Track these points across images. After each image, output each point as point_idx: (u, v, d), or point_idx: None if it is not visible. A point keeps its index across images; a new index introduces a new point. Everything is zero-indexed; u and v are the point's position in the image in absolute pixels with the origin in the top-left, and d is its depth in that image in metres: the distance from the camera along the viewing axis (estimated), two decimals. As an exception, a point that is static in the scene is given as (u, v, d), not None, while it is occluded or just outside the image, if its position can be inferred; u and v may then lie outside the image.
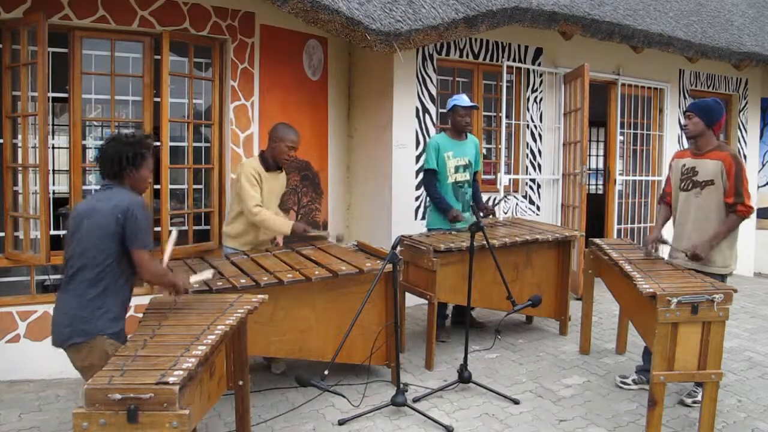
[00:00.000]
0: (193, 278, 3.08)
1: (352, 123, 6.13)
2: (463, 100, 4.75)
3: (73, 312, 2.59)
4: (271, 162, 4.16)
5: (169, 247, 3.10)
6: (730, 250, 3.66)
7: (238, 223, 4.14)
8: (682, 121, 3.88)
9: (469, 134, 4.93)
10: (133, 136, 2.77)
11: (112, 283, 2.62)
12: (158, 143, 4.50)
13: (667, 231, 3.93)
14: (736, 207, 3.54)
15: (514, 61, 6.24)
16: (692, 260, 3.63)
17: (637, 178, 7.33)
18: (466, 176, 4.83)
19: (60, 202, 5.54)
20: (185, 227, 4.68)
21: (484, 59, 6.08)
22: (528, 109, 6.39)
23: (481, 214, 4.81)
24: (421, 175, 5.71)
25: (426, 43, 5.21)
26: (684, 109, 3.87)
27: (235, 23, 4.80)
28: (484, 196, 5.65)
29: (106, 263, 2.60)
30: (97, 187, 2.92)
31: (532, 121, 6.42)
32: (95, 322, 2.58)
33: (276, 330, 3.53)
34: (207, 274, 3.17)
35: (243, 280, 3.40)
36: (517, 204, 6.36)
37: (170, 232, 3.29)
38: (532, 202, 6.49)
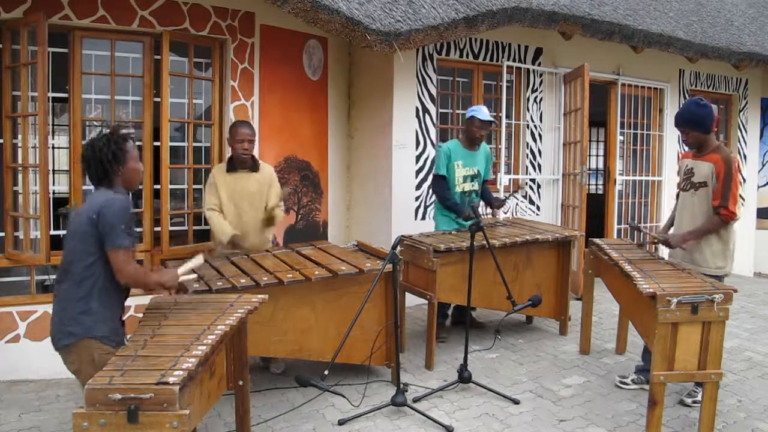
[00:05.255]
0: (182, 269, 2.84)
1: (352, 123, 6.13)
2: (482, 112, 4.71)
3: (61, 314, 2.59)
4: (235, 162, 4.12)
5: (191, 263, 2.89)
6: (724, 252, 3.65)
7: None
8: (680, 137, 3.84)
9: (482, 144, 4.91)
10: (105, 135, 2.64)
11: (95, 286, 2.58)
12: (158, 143, 4.50)
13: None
14: (719, 210, 3.53)
15: (514, 61, 6.24)
16: (663, 245, 3.68)
17: (637, 178, 7.33)
18: (474, 186, 4.82)
19: (60, 202, 5.54)
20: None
21: (484, 59, 6.08)
22: (528, 109, 6.39)
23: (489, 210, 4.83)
24: (420, 175, 5.72)
25: (426, 43, 5.21)
26: (674, 124, 3.79)
27: (235, 23, 4.80)
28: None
29: (86, 265, 2.56)
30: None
31: (532, 121, 6.42)
32: (81, 325, 2.55)
33: (276, 330, 3.53)
34: (197, 260, 2.93)
35: (243, 280, 3.40)
36: (517, 204, 6.36)
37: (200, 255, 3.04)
38: (532, 202, 6.49)
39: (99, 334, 2.58)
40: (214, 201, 4.07)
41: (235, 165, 4.12)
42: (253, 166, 4.15)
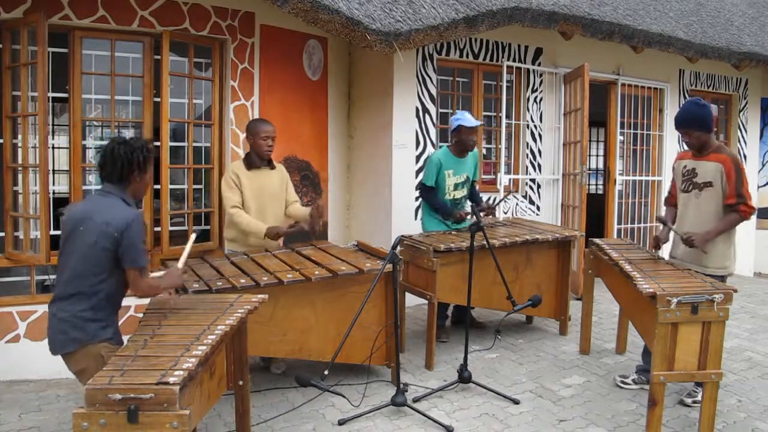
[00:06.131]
0: (180, 262, 2.92)
1: (352, 123, 6.13)
2: (467, 119, 4.62)
3: (67, 322, 2.58)
4: (255, 159, 4.14)
5: (187, 250, 3.00)
6: (729, 252, 3.65)
7: (233, 229, 4.17)
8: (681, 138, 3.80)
9: None
10: (140, 140, 2.74)
11: (105, 296, 2.61)
12: (158, 143, 4.51)
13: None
14: (738, 207, 3.53)
15: (514, 61, 6.24)
16: (685, 244, 3.63)
17: (637, 178, 7.33)
18: (463, 192, 4.83)
19: (60, 202, 5.52)
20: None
21: (484, 59, 6.08)
22: (528, 109, 6.39)
23: (482, 214, 4.82)
24: (420, 175, 5.71)
25: (426, 43, 5.21)
26: (675, 126, 3.77)
27: (235, 23, 4.80)
28: (484, 196, 5.65)
29: (100, 277, 2.59)
30: (96, 188, 2.88)
31: (532, 121, 6.41)
32: (86, 332, 2.58)
33: (276, 330, 3.53)
34: (190, 244, 3.02)
35: (243, 280, 3.40)
36: (517, 204, 6.36)
37: (193, 235, 3.20)
38: (532, 202, 6.49)
39: (105, 337, 2.62)
40: (237, 199, 4.06)
41: (255, 162, 4.13)
42: (270, 164, 4.21)
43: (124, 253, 2.57)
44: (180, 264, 2.90)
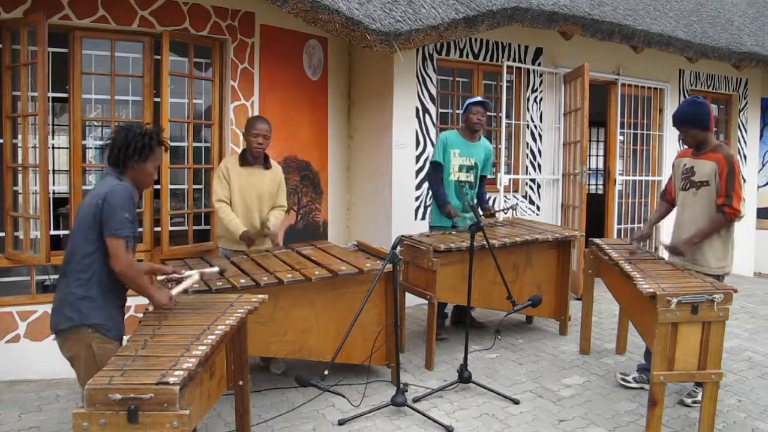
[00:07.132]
0: (176, 290, 2.84)
1: (352, 123, 6.13)
2: (474, 99, 4.80)
3: (62, 298, 2.62)
4: (249, 156, 4.14)
5: (182, 286, 2.90)
6: (726, 251, 3.64)
7: (221, 224, 4.18)
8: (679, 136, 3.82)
9: (483, 138, 4.94)
10: (146, 128, 2.75)
11: (96, 274, 2.61)
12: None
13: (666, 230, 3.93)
14: (723, 208, 3.53)
15: (514, 61, 6.24)
16: (672, 255, 3.65)
17: (637, 178, 7.33)
18: (470, 177, 4.82)
19: (60, 202, 5.54)
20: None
21: (484, 59, 6.08)
22: (528, 109, 6.39)
23: (481, 213, 4.83)
24: (420, 175, 5.73)
25: (426, 43, 5.21)
26: (672, 125, 3.80)
27: (235, 23, 4.80)
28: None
29: (88, 253, 2.59)
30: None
31: (532, 121, 6.42)
32: (79, 311, 2.58)
33: (276, 330, 3.53)
34: (192, 280, 2.94)
35: (243, 280, 3.40)
36: (517, 204, 6.36)
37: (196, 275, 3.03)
38: (532, 202, 6.49)
39: (96, 321, 2.60)
40: (225, 193, 4.07)
41: (248, 159, 4.14)
42: (266, 164, 4.20)
43: (105, 221, 2.54)
44: (174, 291, 2.82)
